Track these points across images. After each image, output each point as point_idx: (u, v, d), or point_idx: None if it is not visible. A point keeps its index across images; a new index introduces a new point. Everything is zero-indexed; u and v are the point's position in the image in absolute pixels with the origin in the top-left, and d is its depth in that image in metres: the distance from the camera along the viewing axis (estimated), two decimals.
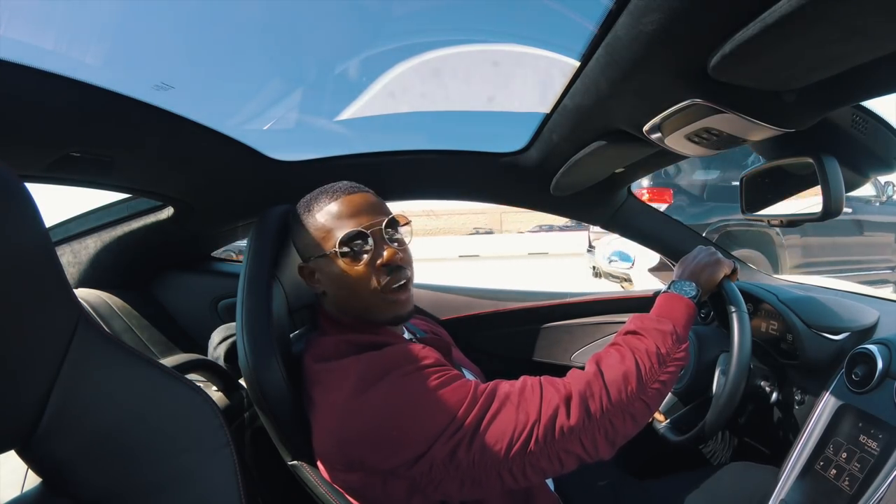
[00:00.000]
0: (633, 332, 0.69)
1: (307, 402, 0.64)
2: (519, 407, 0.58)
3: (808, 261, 3.96)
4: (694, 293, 0.74)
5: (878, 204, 4.19)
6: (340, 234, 0.64)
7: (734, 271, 0.83)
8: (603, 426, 0.60)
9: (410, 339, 0.72)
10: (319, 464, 0.63)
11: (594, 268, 4.81)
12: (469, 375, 0.66)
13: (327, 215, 0.66)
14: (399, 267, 0.67)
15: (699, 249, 0.85)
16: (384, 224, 0.66)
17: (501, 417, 0.57)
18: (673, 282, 0.78)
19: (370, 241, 0.65)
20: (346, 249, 0.64)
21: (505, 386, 0.61)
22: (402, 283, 0.67)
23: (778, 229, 3.72)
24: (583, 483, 0.95)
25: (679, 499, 0.86)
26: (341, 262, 0.65)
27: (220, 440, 0.50)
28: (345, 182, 0.70)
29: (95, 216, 1.22)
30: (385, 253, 0.65)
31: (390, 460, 0.55)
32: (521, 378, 0.63)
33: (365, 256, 0.65)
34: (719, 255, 0.82)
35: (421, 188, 1.28)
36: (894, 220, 4.23)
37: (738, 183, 0.94)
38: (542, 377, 0.63)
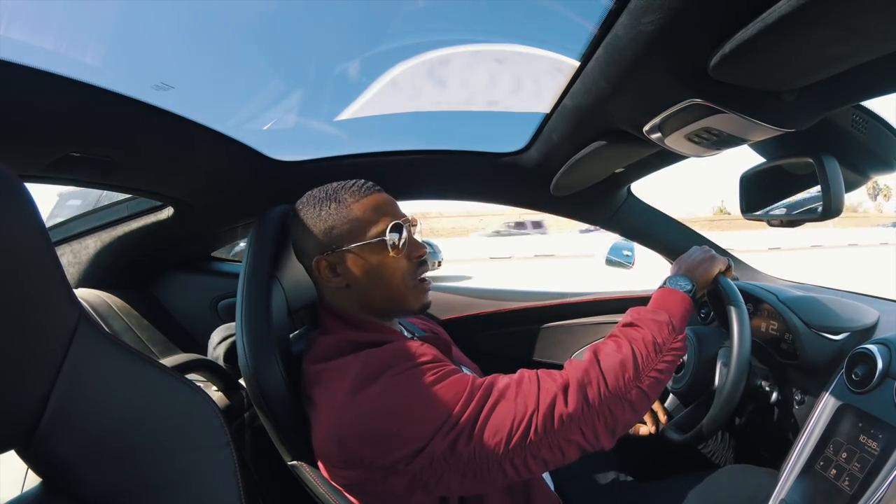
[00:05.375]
0: (630, 324, 0.70)
1: (307, 402, 0.64)
2: (517, 398, 0.58)
3: None
4: (689, 287, 0.75)
5: None
6: (384, 224, 0.67)
7: (729, 268, 0.83)
8: (602, 414, 0.60)
9: (410, 337, 0.72)
10: (319, 462, 0.63)
11: None
12: (468, 373, 0.66)
13: (365, 207, 0.68)
14: (425, 261, 0.72)
15: (694, 248, 0.85)
16: (413, 222, 0.71)
17: (500, 409, 0.57)
18: (668, 277, 0.78)
19: (405, 234, 0.68)
20: (390, 240, 0.66)
21: (502, 379, 0.61)
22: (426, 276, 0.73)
23: None
24: (582, 483, 0.95)
25: (678, 501, 0.86)
26: (382, 252, 0.67)
27: (220, 440, 0.50)
28: (361, 180, 0.71)
29: (95, 216, 1.22)
30: (420, 247, 0.70)
31: (389, 456, 0.56)
32: (519, 371, 0.63)
33: (403, 249, 0.68)
34: (714, 252, 0.83)
35: (421, 188, 1.28)
36: None
37: None
38: (539, 370, 0.63)
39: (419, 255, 0.70)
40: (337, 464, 0.59)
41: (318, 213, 0.68)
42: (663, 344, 0.66)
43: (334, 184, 0.70)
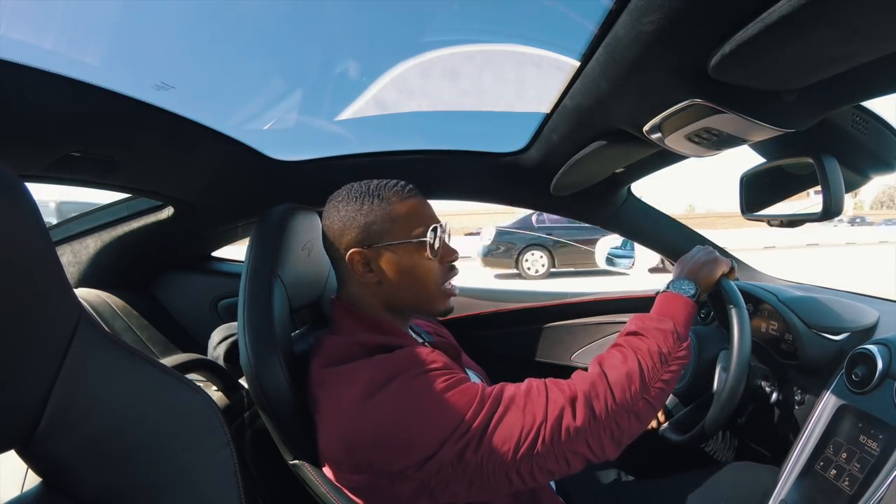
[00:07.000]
0: (635, 333, 0.69)
1: (312, 403, 0.63)
2: (525, 409, 0.58)
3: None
4: (693, 291, 0.74)
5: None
6: (424, 226, 0.68)
7: (731, 269, 0.83)
8: (609, 426, 0.60)
9: (421, 343, 0.72)
10: (326, 464, 0.63)
11: None
12: (475, 378, 0.66)
13: (408, 208, 0.69)
14: (455, 266, 0.73)
15: (697, 248, 0.85)
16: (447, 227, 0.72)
17: (508, 419, 0.57)
18: (672, 281, 0.78)
19: (442, 238, 0.69)
20: (429, 240, 0.67)
21: (511, 388, 0.61)
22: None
23: None
24: (584, 481, 0.95)
25: (680, 498, 0.86)
26: (418, 253, 0.68)
27: (220, 440, 0.50)
28: (402, 182, 0.72)
29: (95, 216, 1.22)
30: (452, 252, 0.72)
31: (399, 462, 0.56)
32: (527, 380, 0.63)
33: (439, 252, 0.69)
34: (717, 253, 0.82)
35: (421, 188, 1.28)
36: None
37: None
38: (546, 379, 0.63)
39: (451, 260, 0.71)
40: (345, 468, 0.59)
41: (360, 207, 0.67)
42: (668, 354, 0.66)
43: (374, 181, 0.70)
